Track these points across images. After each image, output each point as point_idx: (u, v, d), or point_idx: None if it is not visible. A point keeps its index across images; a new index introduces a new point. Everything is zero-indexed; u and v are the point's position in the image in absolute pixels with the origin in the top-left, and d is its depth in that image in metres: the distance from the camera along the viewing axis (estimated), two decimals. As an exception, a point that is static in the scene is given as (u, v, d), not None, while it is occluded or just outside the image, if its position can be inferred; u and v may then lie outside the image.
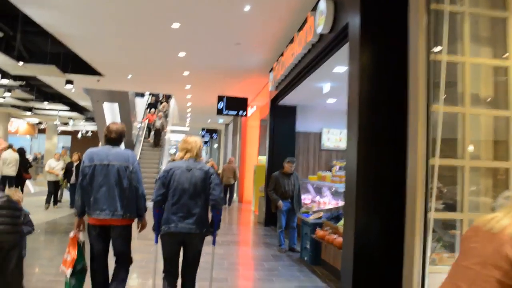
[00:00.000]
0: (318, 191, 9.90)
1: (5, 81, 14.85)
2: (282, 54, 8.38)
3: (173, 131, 28.16)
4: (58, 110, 23.98)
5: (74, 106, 22.96)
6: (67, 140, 38.84)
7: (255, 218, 12.11)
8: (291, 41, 7.56)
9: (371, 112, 4.09)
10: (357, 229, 3.99)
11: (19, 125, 30.56)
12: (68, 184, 12.27)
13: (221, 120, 22.26)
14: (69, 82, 13.29)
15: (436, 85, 3.19)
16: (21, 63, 11.47)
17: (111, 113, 18.28)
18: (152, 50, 9.58)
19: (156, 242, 4.12)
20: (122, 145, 4.30)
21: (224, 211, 13.14)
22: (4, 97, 19.14)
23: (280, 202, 7.62)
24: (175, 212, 3.87)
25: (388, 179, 3.97)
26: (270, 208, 8.35)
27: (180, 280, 4.09)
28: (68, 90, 15.79)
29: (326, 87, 8.32)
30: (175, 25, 7.61)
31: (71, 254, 3.93)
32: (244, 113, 12.69)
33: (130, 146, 18.22)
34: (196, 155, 4.05)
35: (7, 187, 10.55)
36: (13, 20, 10.33)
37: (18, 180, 11.99)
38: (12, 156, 11.70)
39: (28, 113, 25.59)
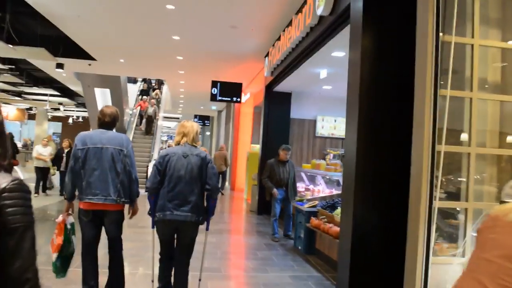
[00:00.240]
0: (312, 179, 9.80)
1: (-7, 65, 14.53)
2: (278, 38, 8.16)
3: (165, 118, 27.94)
4: (48, 95, 23.61)
5: (64, 91, 22.59)
6: (57, 126, 38.45)
7: (247, 206, 12.00)
8: (289, 24, 7.34)
9: (373, 99, 3.90)
10: (355, 219, 3.85)
11: (9, 110, 30.10)
12: (58, 172, 11.97)
13: (214, 107, 22.07)
14: (59, 65, 12.96)
15: (444, 72, 3.03)
16: (10, 46, 11.15)
17: (103, 99, 18.02)
18: (145, 32, 9.31)
19: (153, 227, 4.05)
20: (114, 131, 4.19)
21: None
22: (-8, 81, 18.80)
23: (275, 190, 7.51)
24: (170, 199, 3.82)
25: (388, 170, 3.83)
26: (263, 196, 8.25)
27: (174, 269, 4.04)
28: (59, 74, 15.48)
29: (323, 73, 8.14)
30: (170, 7, 7.36)
31: (58, 239, 3.81)
32: (239, 99, 12.48)
33: (122, 133, 17.94)
34: (193, 139, 3.99)
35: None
36: (2, 0, 10.01)
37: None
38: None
39: (18, 98, 25.18)
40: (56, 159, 11.86)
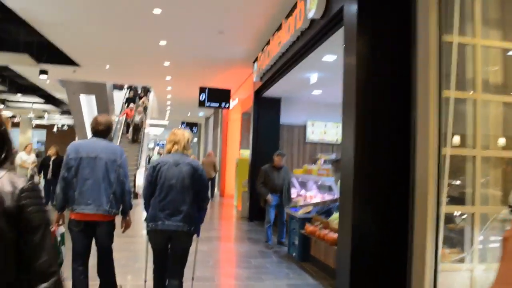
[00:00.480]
0: (303, 185, 9.69)
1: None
2: (268, 43, 8.06)
3: (152, 125, 27.66)
4: (32, 102, 23.20)
5: (49, 99, 22.18)
6: (42, 134, 37.74)
7: (237, 213, 11.84)
8: (278, 28, 7.25)
9: (369, 104, 3.82)
10: (355, 225, 3.75)
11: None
12: (43, 180, 11.59)
13: (201, 113, 21.91)
14: (43, 72, 12.64)
15: (447, 73, 2.95)
16: (-8, 52, 10.91)
17: (88, 106, 17.70)
18: (132, 38, 9.15)
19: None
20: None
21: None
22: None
23: (270, 196, 7.41)
24: (162, 209, 3.70)
25: (388, 174, 3.74)
26: (255, 202, 8.13)
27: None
28: (43, 81, 15.18)
29: (313, 77, 8.05)
30: (157, 11, 7.22)
31: None
32: (227, 105, 12.37)
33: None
34: (184, 148, 3.90)
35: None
36: (-18, 5, 9.76)
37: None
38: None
39: (1, 106, 24.69)
40: (43, 167, 11.47)
